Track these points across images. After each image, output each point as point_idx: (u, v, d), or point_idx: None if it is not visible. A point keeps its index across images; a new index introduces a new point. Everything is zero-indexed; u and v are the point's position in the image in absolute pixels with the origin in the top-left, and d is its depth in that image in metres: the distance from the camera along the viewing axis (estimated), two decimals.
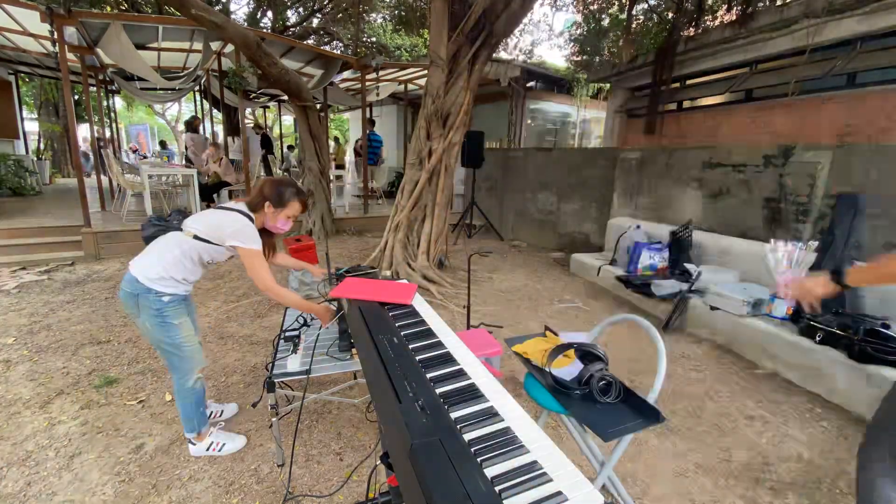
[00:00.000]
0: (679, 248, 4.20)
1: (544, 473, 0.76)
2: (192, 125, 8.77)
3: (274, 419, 1.89)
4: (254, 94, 10.97)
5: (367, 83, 8.37)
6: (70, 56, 5.90)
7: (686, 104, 7.71)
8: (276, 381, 1.84)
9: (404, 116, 11.87)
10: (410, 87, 9.95)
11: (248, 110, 14.45)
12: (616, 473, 1.87)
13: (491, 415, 0.91)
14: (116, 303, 4.02)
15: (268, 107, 14.84)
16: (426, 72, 5.54)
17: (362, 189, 8.34)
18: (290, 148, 14.40)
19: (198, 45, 7.04)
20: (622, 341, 3.49)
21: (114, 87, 10.61)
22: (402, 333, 1.29)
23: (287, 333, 2.15)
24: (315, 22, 13.34)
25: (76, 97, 12.42)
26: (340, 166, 10.64)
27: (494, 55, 8.33)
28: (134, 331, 3.43)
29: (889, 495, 1.39)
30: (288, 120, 18.92)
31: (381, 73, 8.26)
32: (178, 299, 1.90)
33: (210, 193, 6.95)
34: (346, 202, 9.22)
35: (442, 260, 5.20)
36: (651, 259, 4.42)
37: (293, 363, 1.92)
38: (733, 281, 3.73)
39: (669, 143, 7.61)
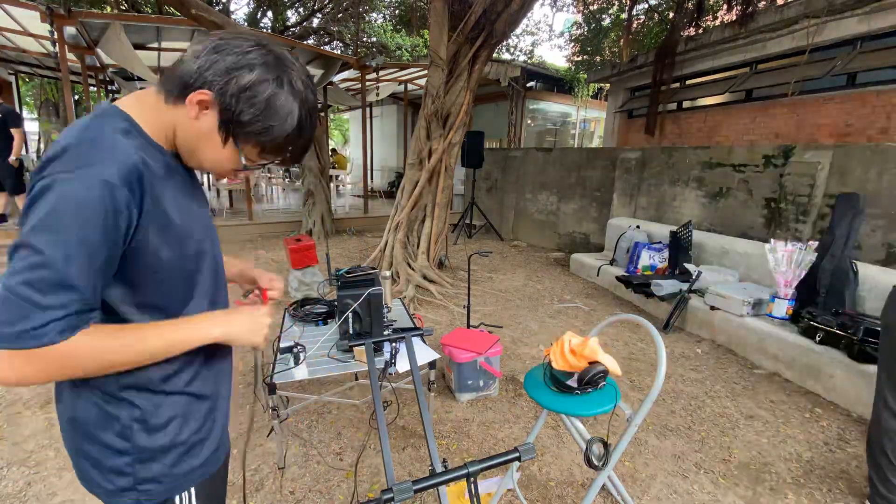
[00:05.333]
0: (679, 248, 4.20)
1: None
2: None
3: (275, 422, 1.89)
4: None
5: (367, 83, 8.38)
6: (70, 56, 5.90)
7: (686, 104, 7.72)
8: (276, 382, 1.83)
9: (404, 116, 11.89)
10: (410, 87, 9.96)
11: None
12: (616, 473, 1.87)
13: None
14: None
15: None
16: (426, 72, 5.55)
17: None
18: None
19: None
20: (622, 341, 3.49)
21: (114, 87, 10.61)
22: None
23: (285, 345, 2.06)
24: (315, 22, 13.35)
25: (76, 97, 12.42)
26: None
27: (494, 55, 8.33)
28: None
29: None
30: None
31: (381, 73, 8.26)
32: None
33: None
34: (346, 202, 9.25)
35: (442, 260, 5.21)
36: (651, 259, 4.42)
37: (300, 372, 1.89)
38: (733, 281, 3.73)
39: (669, 143, 7.61)
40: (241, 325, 0.82)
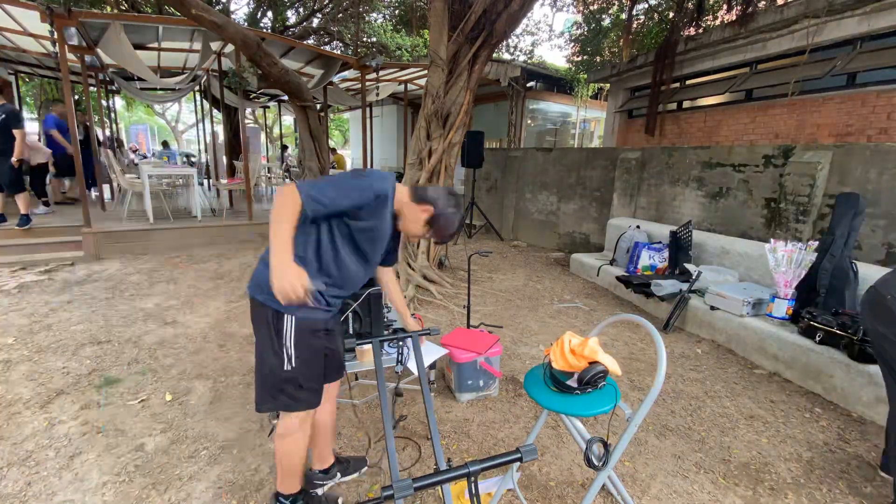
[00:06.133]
0: (679, 248, 4.20)
1: None
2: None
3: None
4: (254, 94, 10.98)
5: (367, 83, 8.38)
6: (70, 56, 5.90)
7: (686, 104, 7.72)
8: None
9: (404, 116, 11.89)
10: (410, 87, 9.96)
11: (249, 110, 14.48)
12: (616, 473, 1.87)
13: None
14: (116, 303, 4.02)
15: (268, 107, 14.86)
16: (426, 72, 5.55)
17: None
18: (284, 147, 14.54)
19: (198, 45, 7.04)
20: (622, 341, 3.49)
21: (114, 87, 10.61)
22: None
23: None
24: (315, 22, 13.34)
25: (76, 97, 12.42)
26: None
27: (494, 55, 8.33)
28: (134, 331, 3.43)
29: None
30: (288, 120, 18.94)
31: (381, 73, 8.26)
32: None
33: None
34: None
35: (442, 260, 5.21)
36: (651, 259, 4.42)
37: None
38: (733, 281, 3.73)
39: (669, 143, 7.62)
40: (281, 271, 1.26)
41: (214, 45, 6.73)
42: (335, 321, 1.65)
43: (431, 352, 2.21)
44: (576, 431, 1.65)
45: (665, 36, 8.06)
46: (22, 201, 5.38)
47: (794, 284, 3.15)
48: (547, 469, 2.06)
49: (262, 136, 16.77)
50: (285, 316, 1.42)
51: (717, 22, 8.85)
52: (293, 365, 1.45)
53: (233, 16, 12.26)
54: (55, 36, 5.05)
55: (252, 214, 6.91)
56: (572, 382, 1.49)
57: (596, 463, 1.38)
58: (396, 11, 13.91)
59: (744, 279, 3.79)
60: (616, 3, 12.10)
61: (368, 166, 10.53)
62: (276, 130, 18.09)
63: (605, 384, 1.50)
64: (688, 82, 7.68)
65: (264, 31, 11.36)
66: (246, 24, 11.87)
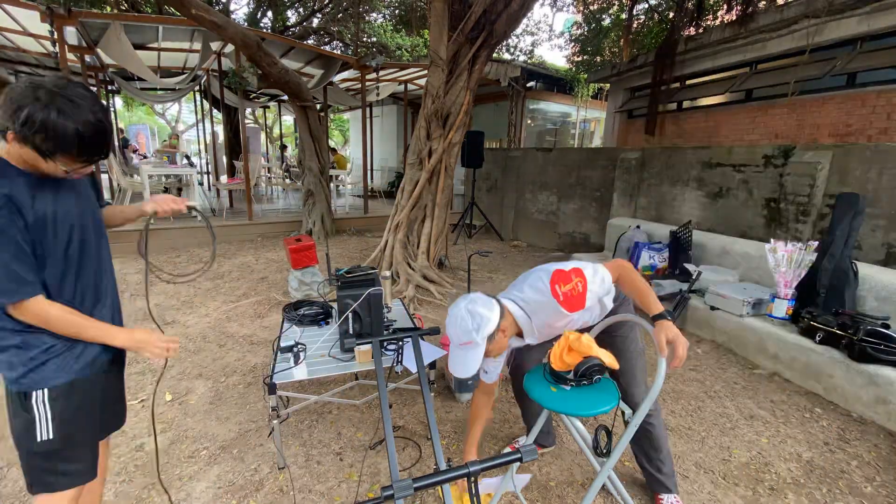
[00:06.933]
0: (679, 248, 4.20)
1: None
2: None
3: (275, 422, 1.89)
4: (254, 94, 10.98)
5: (367, 83, 8.38)
6: (70, 56, 5.90)
7: (686, 104, 7.72)
8: (276, 382, 1.83)
9: (404, 116, 11.88)
10: (410, 87, 9.96)
11: (249, 110, 14.49)
12: (616, 473, 1.87)
13: None
14: None
15: (268, 107, 14.86)
16: (426, 72, 5.55)
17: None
18: (284, 147, 14.54)
19: (198, 45, 7.04)
20: None
21: (114, 87, 10.62)
22: None
23: (286, 344, 2.11)
24: (315, 22, 13.35)
25: None
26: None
27: (494, 55, 8.33)
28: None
29: None
30: (288, 120, 18.94)
31: (381, 73, 8.26)
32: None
33: None
34: (346, 202, 9.25)
35: (442, 260, 5.21)
36: (651, 259, 4.42)
37: (299, 372, 1.89)
38: (733, 281, 3.73)
39: (669, 143, 7.62)
40: (139, 341, 1.24)
41: (214, 45, 6.73)
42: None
43: (429, 352, 2.21)
44: (576, 431, 1.65)
45: (665, 36, 8.06)
46: None
47: (794, 284, 3.15)
48: (547, 469, 2.06)
49: (262, 136, 16.76)
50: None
51: (717, 22, 8.85)
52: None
53: (233, 16, 12.26)
54: (55, 36, 5.05)
55: (252, 214, 6.91)
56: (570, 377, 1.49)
57: (604, 450, 1.39)
58: (396, 11, 13.91)
59: (744, 279, 3.79)
60: (616, 3, 12.11)
61: (368, 166, 10.53)
62: (276, 130, 18.08)
63: (600, 378, 1.50)
64: (688, 82, 7.67)
65: (264, 31, 11.35)
66: (246, 24, 11.88)
